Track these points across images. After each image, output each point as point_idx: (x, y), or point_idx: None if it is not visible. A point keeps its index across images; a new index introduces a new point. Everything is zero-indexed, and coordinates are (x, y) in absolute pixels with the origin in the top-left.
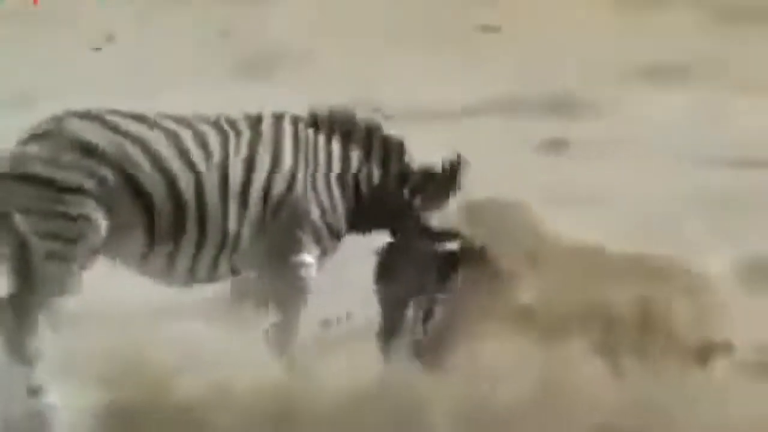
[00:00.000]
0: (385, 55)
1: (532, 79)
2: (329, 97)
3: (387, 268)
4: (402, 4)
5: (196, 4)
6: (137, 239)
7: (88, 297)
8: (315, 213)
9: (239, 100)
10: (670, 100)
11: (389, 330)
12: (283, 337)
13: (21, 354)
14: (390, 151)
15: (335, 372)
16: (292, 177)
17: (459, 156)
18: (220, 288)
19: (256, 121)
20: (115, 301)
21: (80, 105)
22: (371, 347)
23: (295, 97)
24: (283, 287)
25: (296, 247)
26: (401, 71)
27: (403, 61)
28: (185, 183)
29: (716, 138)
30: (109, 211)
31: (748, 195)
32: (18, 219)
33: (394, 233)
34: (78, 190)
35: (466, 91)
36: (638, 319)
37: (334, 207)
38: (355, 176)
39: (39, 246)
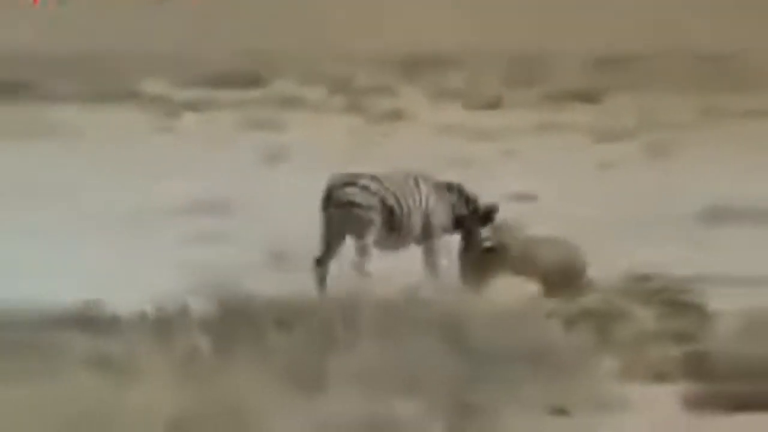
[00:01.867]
0: None
1: None
2: None
3: (463, 249)
4: None
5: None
6: (384, 232)
7: None
8: (443, 221)
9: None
10: None
11: (467, 276)
12: (433, 270)
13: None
14: (468, 198)
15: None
16: (435, 207)
17: (496, 204)
18: None
19: (416, 178)
20: None
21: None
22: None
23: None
24: (432, 249)
25: (437, 234)
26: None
27: None
28: (405, 206)
29: None
30: (379, 219)
31: None
32: (341, 219)
33: (462, 235)
34: (370, 208)
35: None
36: (557, 270)
37: (449, 219)
38: (453, 206)
39: (353, 233)
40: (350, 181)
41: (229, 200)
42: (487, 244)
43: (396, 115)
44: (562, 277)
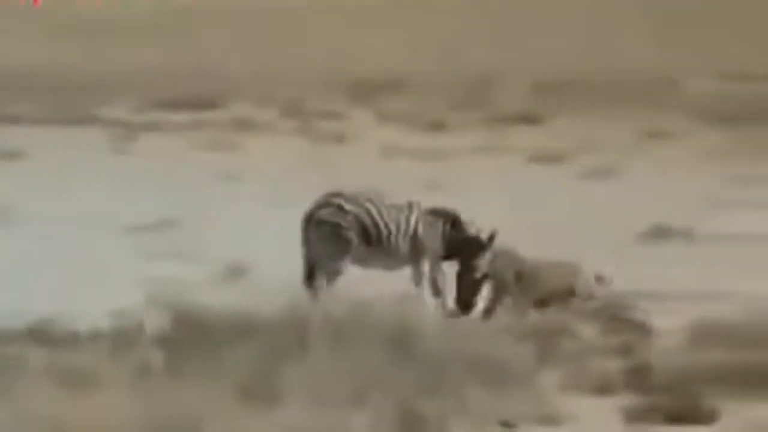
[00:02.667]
0: None
1: None
2: None
3: (460, 275)
4: None
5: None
6: (362, 250)
7: None
8: (432, 244)
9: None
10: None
11: (461, 301)
12: (419, 285)
13: (314, 293)
14: (462, 227)
15: None
16: (424, 231)
17: (495, 232)
18: None
19: (410, 205)
20: None
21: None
22: None
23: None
24: (419, 273)
25: (422, 257)
26: None
27: None
28: (382, 227)
29: None
30: (355, 237)
31: None
32: (317, 239)
33: (459, 262)
34: (344, 227)
35: None
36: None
37: (438, 246)
38: (443, 233)
39: (329, 251)
40: (327, 202)
41: (185, 218)
42: (479, 273)
43: (344, 137)
44: (568, 297)
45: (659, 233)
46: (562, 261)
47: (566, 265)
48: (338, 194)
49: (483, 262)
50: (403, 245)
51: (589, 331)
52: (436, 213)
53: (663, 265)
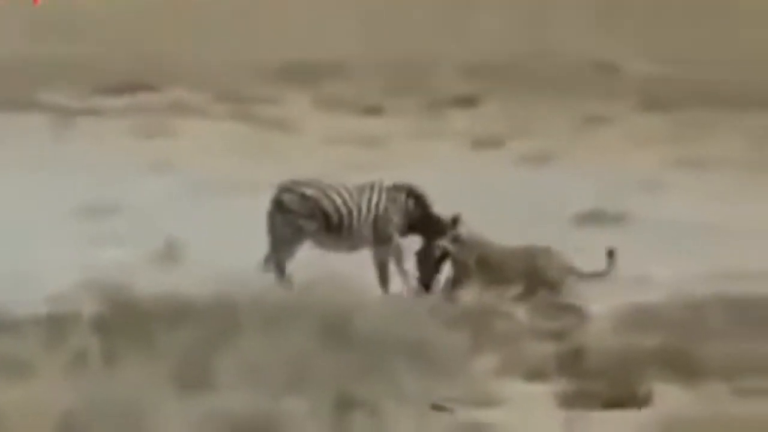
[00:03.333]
0: None
1: None
2: None
3: (421, 253)
4: None
5: None
6: (322, 233)
7: None
8: (396, 223)
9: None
10: None
11: (422, 280)
12: (383, 275)
13: (280, 276)
14: (424, 204)
15: None
16: (386, 208)
17: (459, 215)
18: None
19: (371, 185)
20: None
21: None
22: None
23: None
24: (383, 253)
25: (391, 234)
26: None
27: None
28: (343, 211)
29: None
30: (313, 220)
31: None
32: (278, 224)
33: (423, 239)
34: (301, 214)
35: None
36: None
37: (402, 222)
38: (406, 208)
39: (288, 235)
40: (290, 188)
41: (120, 204)
42: (438, 252)
43: (281, 122)
44: (542, 281)
45: (595, 217)
46: (530, 246)
47: (534, 250)
48: (301, 181)
49: (444, 243)
50: (365, 228)
51: (523, 315)
52: (399, 188)
53: (598, 249)
